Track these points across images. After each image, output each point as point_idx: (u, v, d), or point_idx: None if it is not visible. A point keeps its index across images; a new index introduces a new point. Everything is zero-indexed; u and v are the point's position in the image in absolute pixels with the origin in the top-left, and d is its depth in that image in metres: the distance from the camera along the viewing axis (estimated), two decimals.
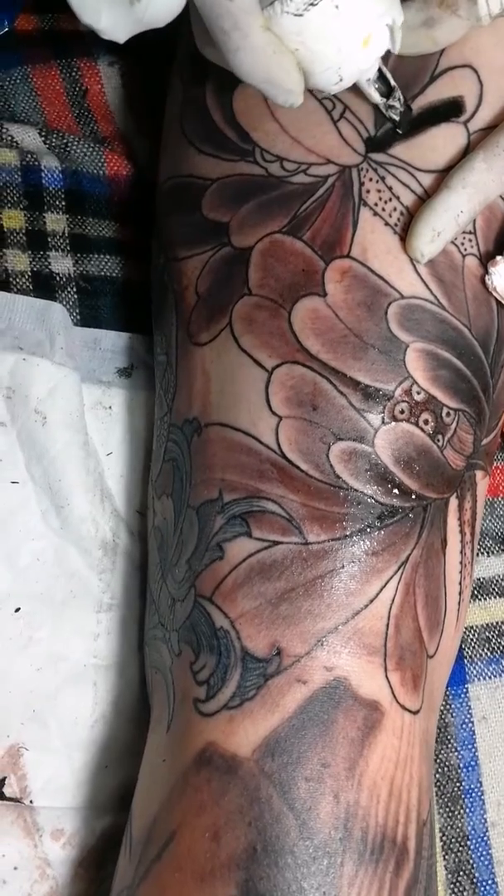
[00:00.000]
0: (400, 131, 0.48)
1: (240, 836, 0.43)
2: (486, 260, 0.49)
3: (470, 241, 0.49)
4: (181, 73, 0.54)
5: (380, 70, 0.46)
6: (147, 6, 0.41)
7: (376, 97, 0.47)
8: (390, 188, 0.48)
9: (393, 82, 0.46)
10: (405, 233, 0.47)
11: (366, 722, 0.45)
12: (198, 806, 0.44)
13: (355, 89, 0.46)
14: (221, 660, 0.46)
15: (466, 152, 0.48)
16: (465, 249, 0.49)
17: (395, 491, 0.46)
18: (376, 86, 0.46)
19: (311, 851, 0.43)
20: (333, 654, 0.45)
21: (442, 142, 0.49)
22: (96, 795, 0.55)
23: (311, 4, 0.41)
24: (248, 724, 0.44)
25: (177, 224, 0.52)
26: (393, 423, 0.46)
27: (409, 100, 0.48)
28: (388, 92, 0.46)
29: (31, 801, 0.53)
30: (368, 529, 0.46)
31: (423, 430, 0.47)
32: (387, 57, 0.45)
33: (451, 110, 0.48)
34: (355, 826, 0.43)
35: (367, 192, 0.48)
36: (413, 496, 0.47)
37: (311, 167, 0.48)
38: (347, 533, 0.46)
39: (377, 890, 0.43)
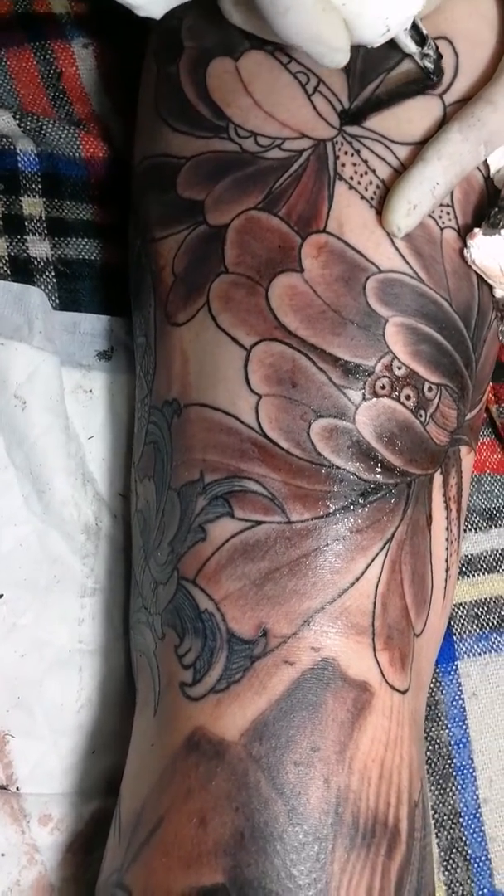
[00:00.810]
0: (434, 78, 0.47)
1: (227, 821, 0.42)
2: (464, 233, 0.48)
3: (448, 213, 0.47)
4: (155, 51, 0.53)
5: (413, 21, 0.45)
6: None
7: (412, 47, 0.46)
8: (366, 161, 0.47)
9: (425, 31, 0.46)
10: (382, 206, 0.46)
11: (355, 703, 0.44)
12: (185, 791, 0.43)
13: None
14: (207, 643, 0.45)
15: (442, 124, 0.47)
16: (443, 222, 0.47)
17: (378, 467, 0.45)
18: (410, 34, 0.46)
19: (301, 837, 0.42)
20: (321, 633, 0.44)
21: (417, 114, 0.47)
22: (83, 780, 0.54)
23: None
24: (235, 708, 0.43)
25: (153, 204, 0.51)
26: (374, 399, 0.45)
27: (386, 72, 0.47)
28: (421, 41, 0.46)
29: (17, 789, 0.52)
30: (352, 507, 0.45)
31: (404, 405, 0.46)
32: None
33: (427, 79, 0.47)
34: (346, 810, 0.42)
35: (343, 165, 0.47)
36: (397, 472, 0.46)
37: (286, 142, 0.47)
38: (331, 511, 0.44)
39: (369, 874, 0.42)
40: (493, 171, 0.49)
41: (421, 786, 0.46)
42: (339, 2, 0.42)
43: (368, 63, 0.47)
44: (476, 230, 0.47)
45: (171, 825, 0.43)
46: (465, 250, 0.47)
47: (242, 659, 0.44)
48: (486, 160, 0.48)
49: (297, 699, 0.43)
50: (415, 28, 0.45)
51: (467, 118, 0.46)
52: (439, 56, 0.47)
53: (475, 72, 0.48)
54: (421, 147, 0.47)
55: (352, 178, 0.46)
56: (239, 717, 0.43)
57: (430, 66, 0.47)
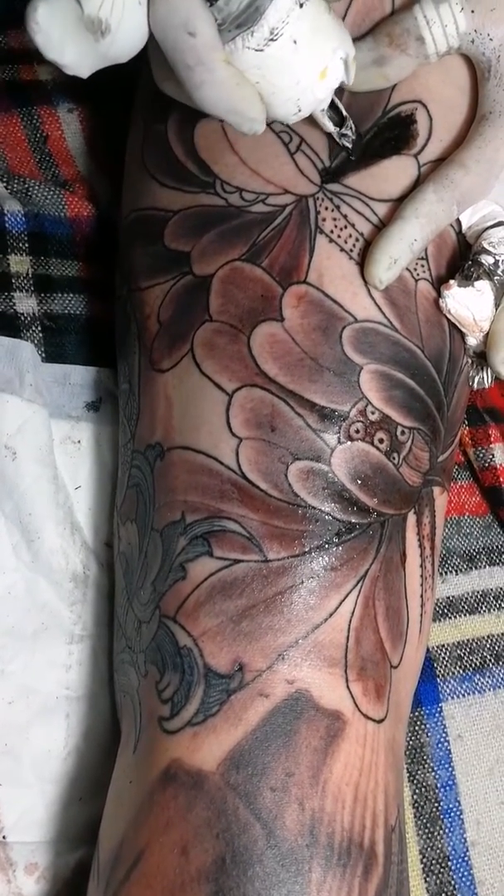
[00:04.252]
0: (353, 158, 0.51)
1: (208, 848, 0.44)
2: (438, 284, 0.52)
3: (423, 266, 0.52)
4: (143, 110, 0.57)
5: (333, 101, 0.49)
6: (112, 42, 0.43)
7: (330, 126, 0.49)
8: (345, 216, 0.51)
9: (345, 112, 0.49)
10: (361, 259, 0.50)
11: (328, 731, 0.47)
12: (165, 823, 0.46)
13: (311, 121, 0.49)
14: (185, 677, 0.47)
15: (417, 183, 0.51)
16: (418, 274, 0.51)
17: (353, 508, 0.49)
18: (329, 115, 0.49)
19: (279, 859, 0.44)
20: (294, 667, 0.47)
21: (394, 173, 0.52)
22: (69, 828, 0.56)
23: (271, 40, 0.44)
24: (211, 740, 0.46)
25: (139, 255, 0.55)
26: (349, 443, 0.49)
27: (363, 132, 0.51)
28: (340, 122, 0.49)
29: (3, 837, 0.54)
30: (327, 545, 0.48)
31: (378, 448, 0.49)
32: (339, 90, 0.48)
33: (402, 138, 0.52)
34: (321, 832, 0.45)
35: (324, 220, 0.50)
36: (370, 512, 0.49)
37: (270, 197, 0.51)
38: (306, 549, 0.48)
39: (346, 894, 0.45)
40: (464, 227, 0.53)
41: (398, 812, 0.49)
42: (253, 79, 0.45)
43: None
44: (451, 281, 0.51)
45: (152, 857, 0.45)
46: (440, 300, 0.51)
47: (219, 693, 0.47)
48: (458, 218, 0.53)
49: (271, 729, 0.46)
50: (333, 108, 0.49)
51: (441, 179, 0.50)
52: (359, 137, 0.50)
53: (448, 134, 0.52)
54: (397, 204, 0.51)
55: (332, 231, 0.50)
56: (216, 748, 0.46)
57: (348, 145, 0.50)
